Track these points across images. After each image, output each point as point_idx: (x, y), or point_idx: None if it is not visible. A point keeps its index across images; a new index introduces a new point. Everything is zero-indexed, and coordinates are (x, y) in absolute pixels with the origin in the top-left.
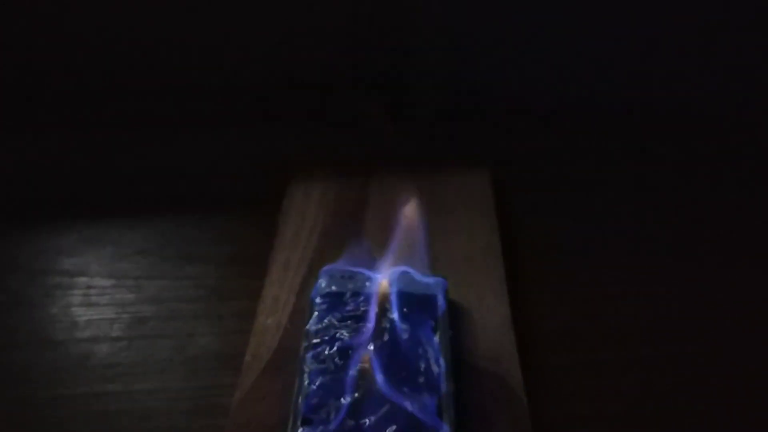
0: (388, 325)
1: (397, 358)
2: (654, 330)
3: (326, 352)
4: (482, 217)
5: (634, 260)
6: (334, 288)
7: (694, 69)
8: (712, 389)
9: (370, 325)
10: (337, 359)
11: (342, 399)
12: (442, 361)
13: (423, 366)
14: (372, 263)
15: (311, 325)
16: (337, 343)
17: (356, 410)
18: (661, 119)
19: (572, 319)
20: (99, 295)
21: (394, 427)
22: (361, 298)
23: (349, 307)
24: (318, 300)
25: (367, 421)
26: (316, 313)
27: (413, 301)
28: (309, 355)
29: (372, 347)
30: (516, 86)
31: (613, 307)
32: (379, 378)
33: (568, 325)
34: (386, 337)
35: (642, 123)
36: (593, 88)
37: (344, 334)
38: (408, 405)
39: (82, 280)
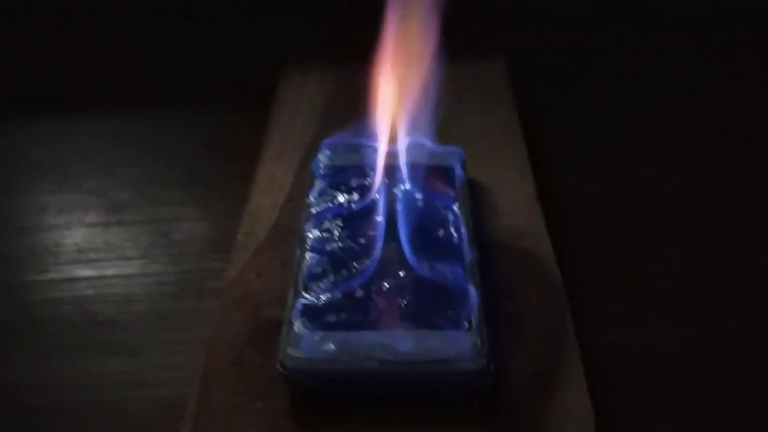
0: (400, 195)
1: (414, 226)
2: (679, 209)
3: (330, 222)
4: (499, 101)
5: (656, 142)
6: (337, 161)
7: None
8: (739, 264)
9: (380, 194)
10: (342, 228)
11: (348, 268)
12: (464, 230)
13: (443, 234)
14: (379, 136)
15: (312, 195)
16: (342, 212)
17: (366, 278)
18: (674, 10)
19: (597, 200)
20: (73, 183)
21: (410, 294)
22: (369, 171)
23: (355, 179)
24: (320, 172)
25: (380, 288)
26: (317, 183)
27: (428, 172)
28: (310, 224)
29: (383, 216)
30: None
31: (637, 187)
32: (396, 245)
33: (593, 205)
34: (399, 206)
35: (657, 14)
36: None
37: (350, 203)
38: (428, 271)
39: (54, 169)
